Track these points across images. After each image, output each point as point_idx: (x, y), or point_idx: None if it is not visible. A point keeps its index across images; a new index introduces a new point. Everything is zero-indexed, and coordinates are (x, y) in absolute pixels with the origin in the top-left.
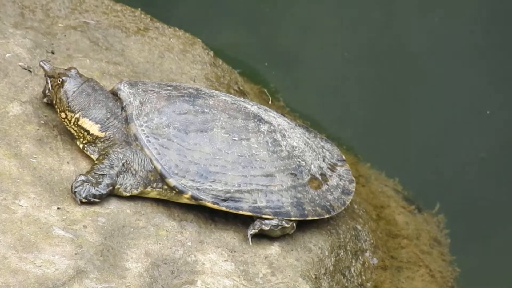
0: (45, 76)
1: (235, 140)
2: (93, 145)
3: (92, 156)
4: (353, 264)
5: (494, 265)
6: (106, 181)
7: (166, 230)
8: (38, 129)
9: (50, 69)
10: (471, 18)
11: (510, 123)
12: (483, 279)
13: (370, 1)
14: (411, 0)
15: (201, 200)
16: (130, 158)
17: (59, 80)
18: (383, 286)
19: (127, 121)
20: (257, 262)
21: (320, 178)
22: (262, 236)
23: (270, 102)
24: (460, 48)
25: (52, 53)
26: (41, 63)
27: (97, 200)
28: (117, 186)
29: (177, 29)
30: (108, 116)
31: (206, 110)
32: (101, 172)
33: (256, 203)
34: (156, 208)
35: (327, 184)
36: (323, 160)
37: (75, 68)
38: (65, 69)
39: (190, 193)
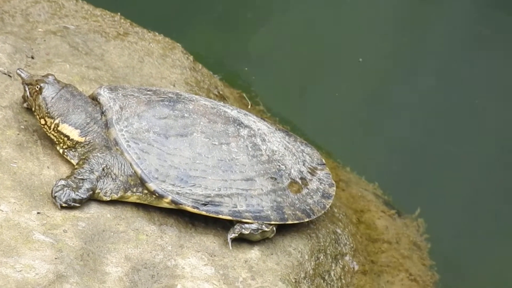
0: (22, 84)
1: (215, 144)
2: (73, 150)
3: (72, 161)
4: (333, 268)
5: (473, 270)
6: (86, 185)
7: (146, 235)
8: (18, 134)
9: (27, 76)
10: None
11: (500, 128)
12: (461, 284)
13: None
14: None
15: (181, 204)
16: (110, 162)
17: (37, 87)
18: None
19: (107, 126)
20: (237, 266)
21: (300, 182)
22: (242, 240)
23: (249, 107)
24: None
25: (32, 58)
26: (18, 71)
27: (77, 205)
28: (97, 191)
29: (157, 33)
30: (88, 121)
31: (186, 115)
32: (81, 177)
33: (236, 207)
34: (136, 213)
35: (307, 188)
36: (303, 164)
37: (52, 75)
38: (43, 76)
39: (170, 198)
